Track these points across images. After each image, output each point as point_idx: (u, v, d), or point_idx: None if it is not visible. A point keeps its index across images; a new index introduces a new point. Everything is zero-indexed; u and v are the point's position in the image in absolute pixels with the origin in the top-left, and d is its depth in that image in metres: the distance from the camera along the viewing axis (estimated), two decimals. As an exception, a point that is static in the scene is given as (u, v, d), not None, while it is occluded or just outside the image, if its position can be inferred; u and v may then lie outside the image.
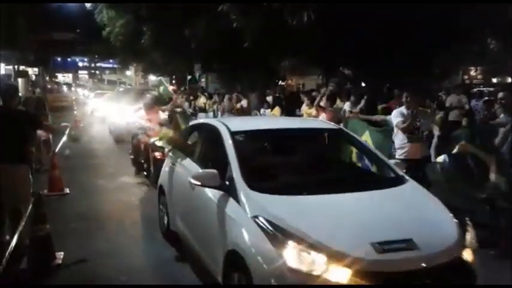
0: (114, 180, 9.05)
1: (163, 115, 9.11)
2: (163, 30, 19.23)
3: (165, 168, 5.76)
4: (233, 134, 4.31)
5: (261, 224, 3.18)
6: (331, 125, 5.36)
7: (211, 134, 4.68)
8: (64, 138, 9.73)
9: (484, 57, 21.52)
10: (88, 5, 30.82)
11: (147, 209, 6.87)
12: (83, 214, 6.65)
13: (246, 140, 4.78)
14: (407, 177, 4.08)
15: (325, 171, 4.53)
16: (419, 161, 6.29)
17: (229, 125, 4.49)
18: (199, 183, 3.87)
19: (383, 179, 4.29)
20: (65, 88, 44.63)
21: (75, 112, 22.13)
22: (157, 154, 7.46)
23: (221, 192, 3.79)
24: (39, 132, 9.13)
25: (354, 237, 3.05)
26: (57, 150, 9.01)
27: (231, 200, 3.63)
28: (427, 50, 11.45)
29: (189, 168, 4.82)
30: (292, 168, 4.38)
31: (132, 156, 9.46)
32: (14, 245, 3.85)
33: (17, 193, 4.87)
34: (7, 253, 3.76)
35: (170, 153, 5.84)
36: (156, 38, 20.41)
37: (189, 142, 5.74)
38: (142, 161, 8.69)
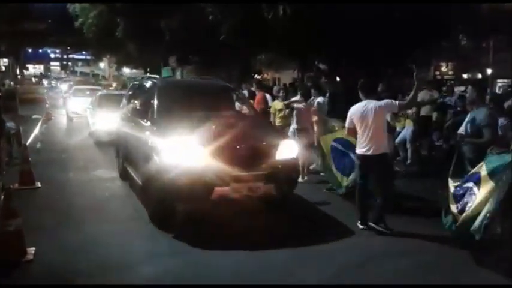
0: (86, 174, 8.92)
1: None
2: (138, 22, 19.01)
3: None
4: None
5: None
6: None
7: None
8: (36, 131, 9.51)
9: (456, 53, 22.07)
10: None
11: (120, 202, 6.78)
12: (55, 208, 6.53)
13: None
14: None
15: None
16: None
17: None
18: None
19: None
20: (33, 80, 42.55)
21: (47, 105, 21.40)
22: None
23: None
24: (9, 124, 8.96)
25: None
26: (28, 143, 8.81)
27: None
28: (402, 45, 11.64)
29: None
30: None
31: None
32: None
33: None
34: None
35: None
36: (131, 29, 20.16)
37: None
38: None
